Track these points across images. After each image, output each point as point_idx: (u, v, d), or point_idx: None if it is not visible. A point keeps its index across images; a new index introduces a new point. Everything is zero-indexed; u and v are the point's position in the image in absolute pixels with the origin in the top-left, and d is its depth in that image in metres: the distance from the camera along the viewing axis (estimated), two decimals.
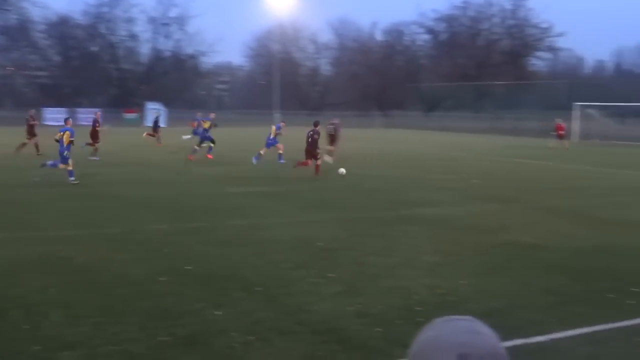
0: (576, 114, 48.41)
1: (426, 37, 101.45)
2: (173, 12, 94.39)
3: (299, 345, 6.30)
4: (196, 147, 26.80)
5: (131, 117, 66.41)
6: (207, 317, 7.06)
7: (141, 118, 64.99)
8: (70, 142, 18.63)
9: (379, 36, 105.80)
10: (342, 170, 21.23)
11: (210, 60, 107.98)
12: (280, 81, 75.20)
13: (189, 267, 9.14)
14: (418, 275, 8.96)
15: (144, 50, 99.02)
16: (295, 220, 13.13)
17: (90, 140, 26.70)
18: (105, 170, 21.92)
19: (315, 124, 22.38)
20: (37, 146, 26.96)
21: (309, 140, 21.84)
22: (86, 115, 63.23)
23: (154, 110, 63.56)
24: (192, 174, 21.46)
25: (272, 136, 25.82)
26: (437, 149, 36.45)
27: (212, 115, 29.27)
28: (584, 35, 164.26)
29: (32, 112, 29.61)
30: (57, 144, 18.85)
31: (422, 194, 17.31)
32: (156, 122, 36.63)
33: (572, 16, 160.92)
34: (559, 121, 40.25)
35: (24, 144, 27.28)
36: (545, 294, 8.17)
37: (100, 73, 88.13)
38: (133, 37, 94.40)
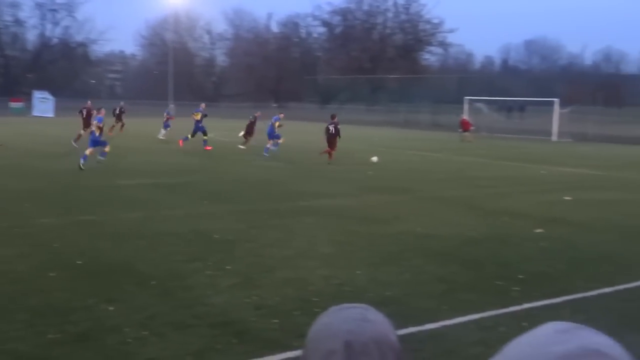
0: (466, 107, 50.02)
1: (322, 29, 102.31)
2: None
3: (195, 339, 6.22)
4: (189, 136, 27.49)
5: (17, 107, 63.52)
6: (100, 312, 6.85)
7: (28, 107, 62.26)
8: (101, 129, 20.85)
9: (274, 28, 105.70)
10: (375, 159, 23.38)
11: (101, 49, 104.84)
12: (175, 71, 73.93)
13: (79, 262, 8.85)
14: (314, 266, 9.03)
15: (31, 36, 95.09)
16: (191, 212, 12.95)
17: None
18: None
19: (333, 117, 24.18)
20: None
21: (331, 131, 23.60)
22: None
23: (43, 97, 61.04)
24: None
25: (275, 130, 26.49)
26: None
27: (203, 106, 29.41)
28: (473, 32, 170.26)
29: None
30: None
31: (318, 185, 17.44)
32: (118, 112, 35.75)
33: (462, 13, 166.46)
34: (464, 117, 41.75)
35: None
36: (437, 282, 8.41)
37: None
38: (18, 22, 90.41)
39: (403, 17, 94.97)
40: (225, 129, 40.20)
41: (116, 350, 5.90)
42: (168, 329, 6.42)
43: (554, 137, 45.08)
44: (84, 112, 28.69)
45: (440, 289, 8.13)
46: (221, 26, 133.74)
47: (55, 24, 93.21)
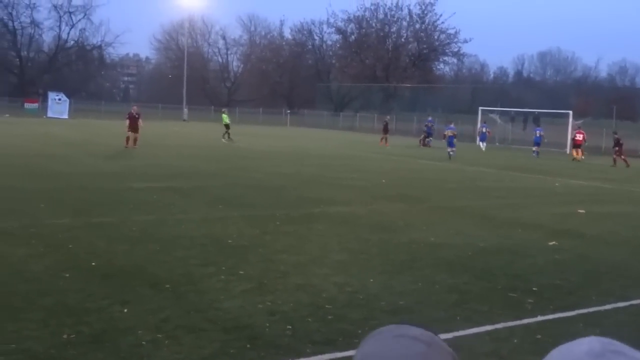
0: (479, 117, 49.92)
1: (336, 37, 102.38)
2: (78, 1, 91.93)
3: (209, 343, 6.23)
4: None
5: (32, 107, 63.98)
6: (114, 314, 6.88)
7: (42, 108, 62.64)
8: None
9: (288, 34, 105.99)
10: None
11: (116, 52, 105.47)
12: (189, 76, 74.27)
13: (94, 263, 8.89)
14: (327, 273, 9.03)
15: (47, 38, 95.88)
16: (204, 216, 12.98)
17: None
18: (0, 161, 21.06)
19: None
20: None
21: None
22: None
23: (58, 99, 61.34)
24: (96, 167, 20.88)
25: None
26: (345, 149, 36.84)
27: (453, 124, 35.77)
28: (488, 43, 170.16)
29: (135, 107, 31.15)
30: None
31: (331, 192, 17.45)
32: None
33: (476, 23, 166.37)
34: (577, 129, 38.12)
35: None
36: (450, 292, 8.38)
37: None
38: (35, 24, 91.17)
39: (418, 26, 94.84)
40: (239, 133, 40.34)
41: (130, 352, 5.92)
42: (182, 332, 6.44)
43: (568, 149, 44.87)
44: (131, 115, 29.87)
45: (452, 299, 8.11)
46: (236, 32, 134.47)
47: (72, 26, 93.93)
